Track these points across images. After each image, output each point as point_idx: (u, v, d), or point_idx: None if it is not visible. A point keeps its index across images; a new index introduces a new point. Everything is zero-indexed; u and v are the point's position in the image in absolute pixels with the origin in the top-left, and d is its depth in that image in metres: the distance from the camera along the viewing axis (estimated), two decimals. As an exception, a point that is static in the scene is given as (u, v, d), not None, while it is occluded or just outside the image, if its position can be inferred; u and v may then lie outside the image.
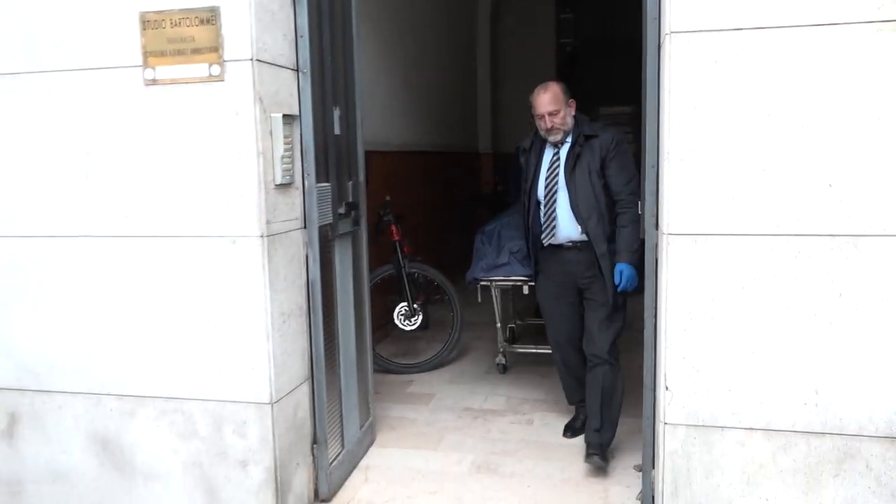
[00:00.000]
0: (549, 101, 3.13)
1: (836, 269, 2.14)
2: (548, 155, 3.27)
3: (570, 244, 3.21)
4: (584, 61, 9.91)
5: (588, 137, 3.14)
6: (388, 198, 4.79)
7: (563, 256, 3.25)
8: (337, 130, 3.08)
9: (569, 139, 3.20)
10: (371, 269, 3.61)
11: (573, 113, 3.22)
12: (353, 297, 3.29)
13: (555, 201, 3.21)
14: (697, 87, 2.16)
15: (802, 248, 2.15)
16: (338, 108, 3.09)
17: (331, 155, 2.98)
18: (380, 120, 5.29)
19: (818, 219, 2.13)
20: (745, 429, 2.26)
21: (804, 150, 2.11)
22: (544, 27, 9.68)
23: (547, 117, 3.14)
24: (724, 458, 2.28)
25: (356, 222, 3.30)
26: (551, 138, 3.20)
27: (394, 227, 4.69)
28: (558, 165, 3.20)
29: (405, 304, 4.66)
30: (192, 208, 2.55)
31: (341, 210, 3.07)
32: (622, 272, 3.00)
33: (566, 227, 3.19)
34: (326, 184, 2.94)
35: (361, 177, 3.35)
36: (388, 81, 5.67)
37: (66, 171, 2.63)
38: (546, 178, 3.24)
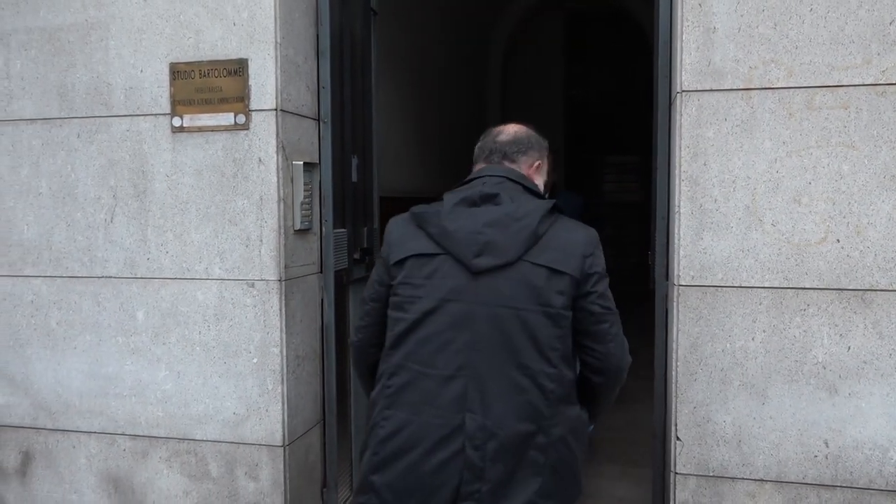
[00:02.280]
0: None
1: (844, 323, 2.18)
2: None
3: None
4: (592, 112, 10.10)
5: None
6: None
7: None
8: (354, 178, 3.17)
9: None
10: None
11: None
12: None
13: None
14: (707, 143, 2.23)
15: (811, 301, 2.19)
16: (356, 157, 3.18)
17: (347, 202, 3.06)
18: (393, 166, 5.40)
19: (826, 273, 2.17)
20: (756, 480, 2.27)
21: (811, 205, 2.17)
22: (553, 78, 9.91)
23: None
24: (730, 509, 2.29)
25: (370, 268, 3.36)
26: None
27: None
28: None
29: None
30: (213, 252, 2.61)
31: (356, 255, 3.14)
32: None
33: None
34: (343, 230, 3.01)
35: (376, 223, 3.42)
36: (402, 129, 5.80)
37: (92, 213, 2.71)
38: None
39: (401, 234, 1.77)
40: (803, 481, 2.23)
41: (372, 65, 3.36)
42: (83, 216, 2.72)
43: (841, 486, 2.21)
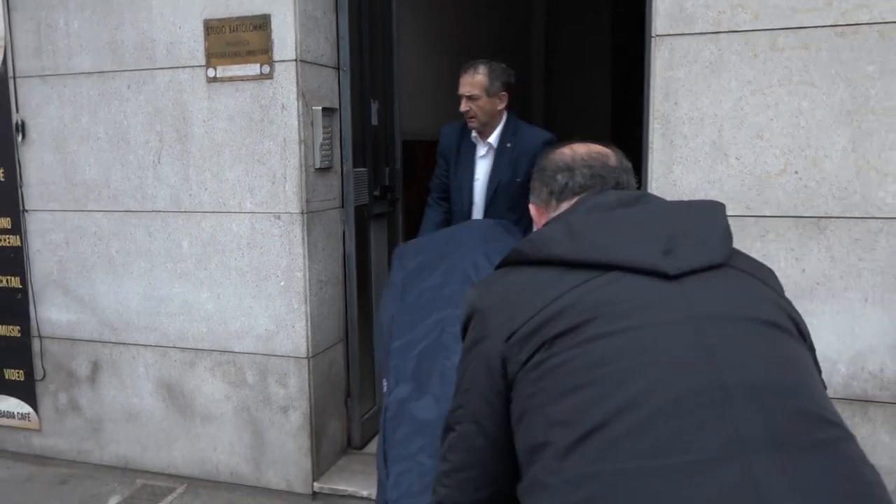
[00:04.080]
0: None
1: (800, 248, 2.38)
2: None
3: None
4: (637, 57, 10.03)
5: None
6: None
7: None
8: (374, 122, 3.46)
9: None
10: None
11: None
12: (387, 270, 3.67)
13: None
14: (678, 83, 2.43)
15: (770, 228, 2.40)
16: (376, 102, 3.47)
17: (367, 143, 3.36)
18: (429, 111, 5.65)
19: (784, 202, 2.38)
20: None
21: (773, 140, 2.36)
22: (600, 21, 9.86)
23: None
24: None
25: (392, 204, 3.68)
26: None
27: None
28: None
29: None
30: (244, 188, 2.97)
31: (376, 192, 3.45)
32: None
33: None
34: (363, 169, 3.32)
35: (399, 164, 3.72)
36: (435, 75, 6.02)
37: (142, 155, 3.10)
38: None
39: (520, 294, 1.10)
40: (761, 391, 2.47)
41: (393, 15, 3.61)
42: (135, 158, 3.11)
43: (795, 395, 2.45)
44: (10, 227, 3.37)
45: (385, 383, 1.92)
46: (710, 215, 1.15)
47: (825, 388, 1.05)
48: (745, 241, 2.42)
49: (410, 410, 1.77)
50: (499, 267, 1.18)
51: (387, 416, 1.81)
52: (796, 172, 2.36)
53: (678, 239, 1.06)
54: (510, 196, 2.94)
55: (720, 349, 0.96)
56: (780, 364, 0.99)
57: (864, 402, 2.41)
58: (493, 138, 3.01)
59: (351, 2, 3.11)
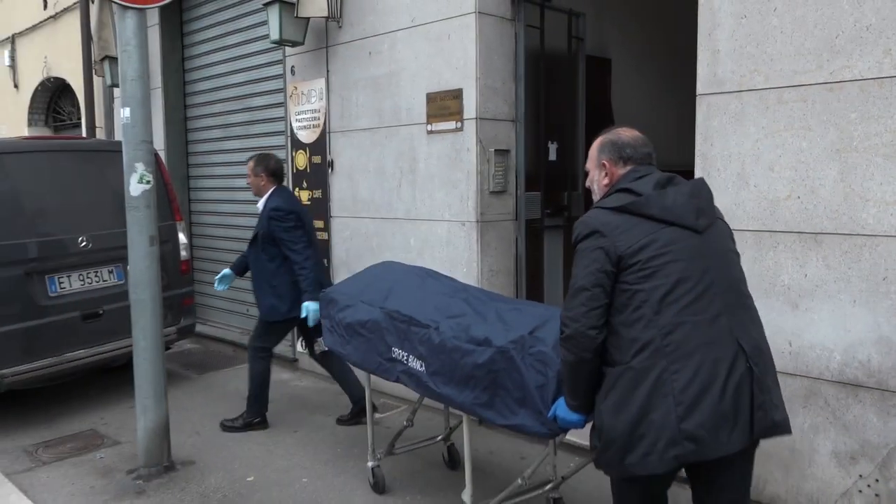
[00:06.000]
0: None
1: (803, 257, 3.00)
2: None
3: None
4: None
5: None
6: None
7: None
8: (553, 157, 4.67)
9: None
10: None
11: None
12: (562, 270, 4.82)
13: None
14: (713, 130, 3.23)
15: (780, 241, 3.06)
16: (555, 143, 4.67)
17: (541, 174, 4.57)
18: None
19: (790, 220, 3.03)
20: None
21: (781, 172, 3.04)
22: None
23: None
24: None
25: (569, 220, 4.82)
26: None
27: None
28: None
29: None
30: (444, 204, 4.41)
31: (548, 210, 4.64)
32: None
33: None
34: (536, 192, 4.55)
35: (579, 190, 4.86)
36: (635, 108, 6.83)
37: (390, 182, 4.74)
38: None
39: (616, 226, 2.02)
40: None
41: (580, 76, 4.79)
42: (387, 184, 4.78)
43: (800, 375, 3.05)
44: (323, 227, 5.31)
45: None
46: (707, 192, 2.14)
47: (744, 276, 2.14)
48: (762, 250, 3.11)
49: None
50: (615, 208, 2.05)
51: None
52: (799, 197, 3.00)
53: (701, 209, 2.06)
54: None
55: (713, 266, 2.02)
56: (734, 269, 2.10)
57: (856, 386, 2.92)
58: (260, 204, 4.32)
59: (527, 74, 4.38)
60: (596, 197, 2.26)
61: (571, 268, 2.11)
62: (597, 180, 2.25)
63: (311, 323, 4.06)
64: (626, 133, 2.23)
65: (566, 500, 3.23)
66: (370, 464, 3.50)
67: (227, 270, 4.45)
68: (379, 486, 3.48)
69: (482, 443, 3.94)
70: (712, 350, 1.92)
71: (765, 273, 3.12)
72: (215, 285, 4.48)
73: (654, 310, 1.94)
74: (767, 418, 1.97)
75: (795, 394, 3.06)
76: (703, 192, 2.10)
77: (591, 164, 2.29)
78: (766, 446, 3.09)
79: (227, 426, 4.36)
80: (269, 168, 4.27)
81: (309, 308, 4.04)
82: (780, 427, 2.02)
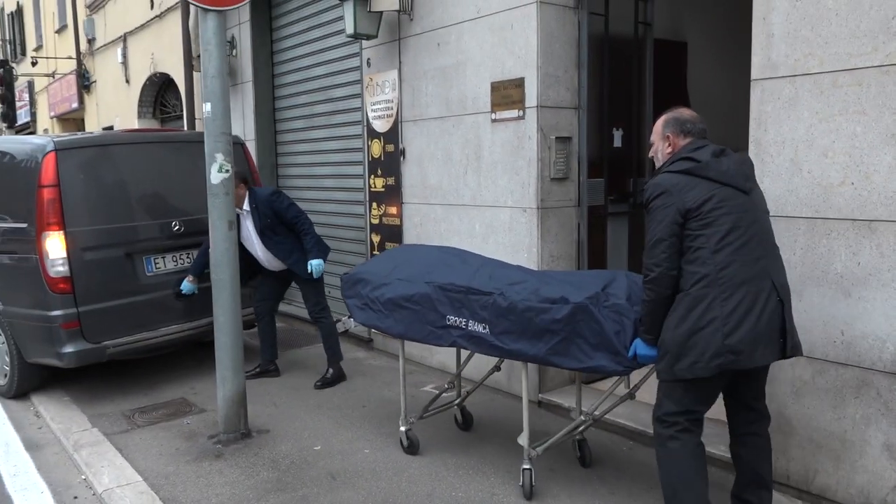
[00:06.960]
0: None
1: (857, 244, 2.94)
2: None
3: None
4: None
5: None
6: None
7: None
8: (618, 144, 4.68)
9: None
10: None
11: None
12: (626, 256, 4.83)
13: None
14: (766, 115, 3.18)
15: (833, 228, 3.00)
16: (620, 129, 4.68)
17: (605, 160, 4.60)
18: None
19: (844, 207, 2.96)
20: (797, 355, 3.17)
21: (835, 158, 2.97)
22: None
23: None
24: (778, 371, 3.22)
25: (634, 207, 4.82)
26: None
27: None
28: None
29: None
30: (507, 191, 4.52)
31: (612, 197, 4.66)
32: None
33: None
34: (600, 179, 4.58)
35: (647, 176, 4.84)
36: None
37: (457, 169, 4.89)
38: None
39: (683, 186, 2.58)
40: (826, 359, 3.07)
41: (647, 61, 4.77)
42: (454, 171, 4.93)
43: (852, 366, 2.99)
44: (395, 213, 5.53)
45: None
46: (751, 163, 2.79)
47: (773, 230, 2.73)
48: (815, 237, 3.06)
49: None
50: (683, 171, 2.62)
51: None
52: (852, 184, 2.93)
53: (748, 175, 2.66)
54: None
55: (756, 220, 2.60)
56: (769, 224, 2.69)
57: (909, 377, 2.85)
58: (245, 207, 4.91)
59: (592, 61, 4.41)
60: (658, 164, 2.81)
61: (644, 233, 2.68)
62: (661, 150, 2.81)
63: (316, 276, 4.91)
64: (686, 112, 2.81)
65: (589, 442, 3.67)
66: (403, 428, 3.85)
67: (186, 283, 5.10)
68: (413, 447, 3.85)
69: (490, 406, 4.07)
70: (753, 284, 2.51)
71: (818, 261, 3.07)
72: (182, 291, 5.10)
73: (711, 250, 2.51)
74: (793, 341, 2.60)
75: (847, 384, 3.01)
76: (747, 162, 2.74)
77: (655, 137, 2.85)
78: (817, 438, 3.08)
79: (320, 385, 5.06)
80: (240, 176, 4.78)
81: (313, 264, 4.86)
82: (798, 349, 2.64)
